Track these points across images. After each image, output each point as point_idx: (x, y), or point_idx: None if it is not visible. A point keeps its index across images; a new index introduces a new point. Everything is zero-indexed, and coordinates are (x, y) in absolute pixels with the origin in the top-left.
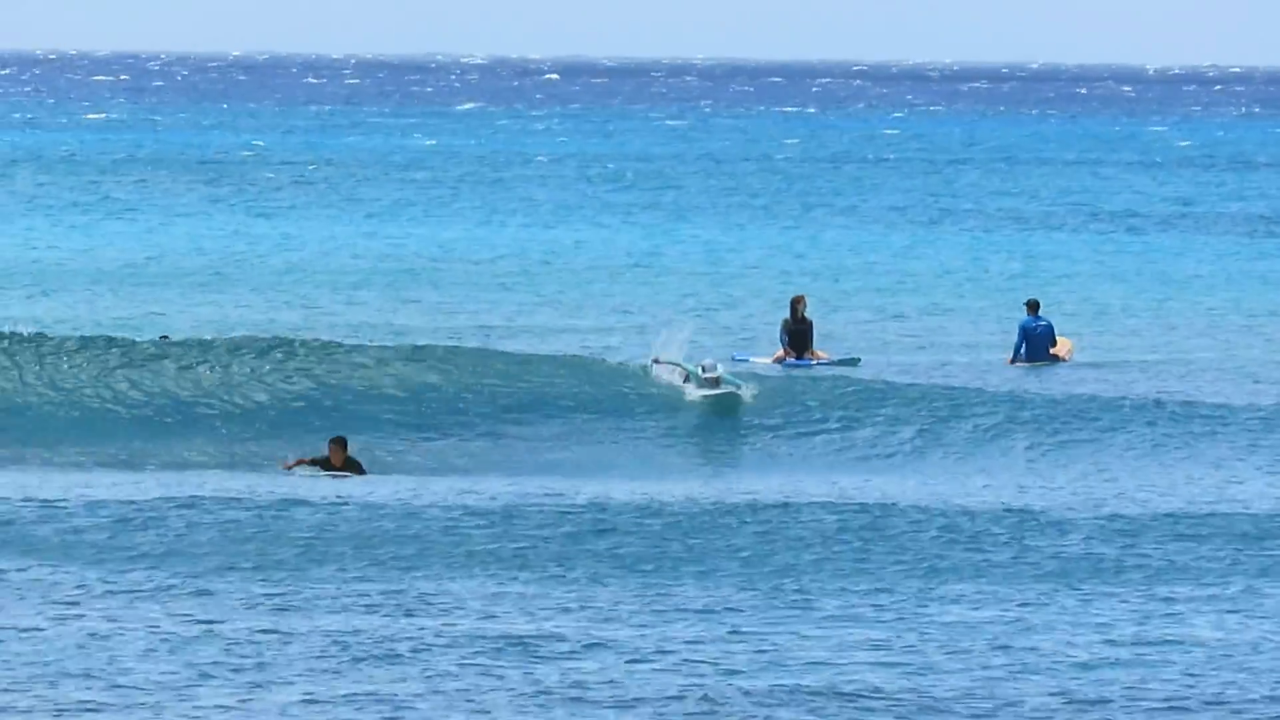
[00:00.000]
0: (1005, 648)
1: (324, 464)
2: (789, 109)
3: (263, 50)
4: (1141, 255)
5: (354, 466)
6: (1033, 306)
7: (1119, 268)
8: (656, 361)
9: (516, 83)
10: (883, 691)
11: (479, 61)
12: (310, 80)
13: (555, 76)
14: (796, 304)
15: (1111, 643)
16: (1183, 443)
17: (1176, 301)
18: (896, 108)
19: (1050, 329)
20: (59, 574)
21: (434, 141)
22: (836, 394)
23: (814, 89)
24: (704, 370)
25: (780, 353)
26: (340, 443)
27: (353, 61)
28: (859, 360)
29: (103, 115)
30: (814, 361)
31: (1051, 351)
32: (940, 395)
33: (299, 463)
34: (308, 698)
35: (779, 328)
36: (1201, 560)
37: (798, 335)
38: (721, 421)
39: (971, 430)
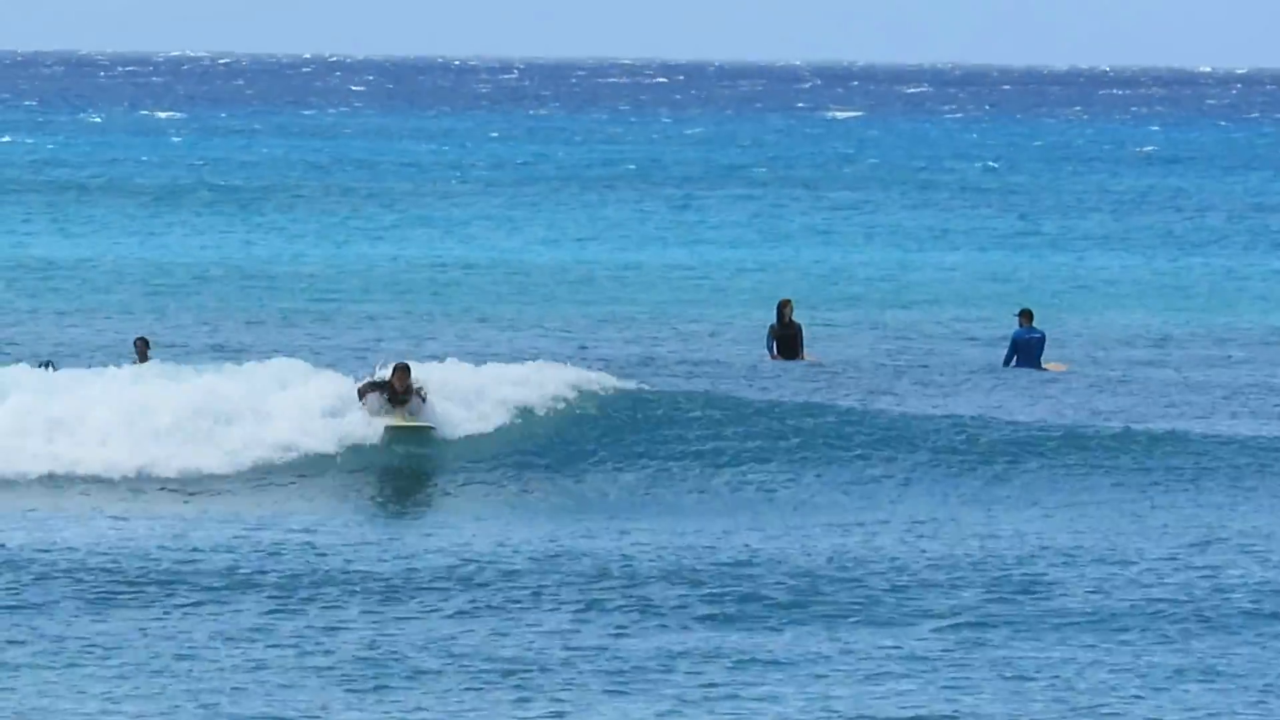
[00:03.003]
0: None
1: (390, 389)
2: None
3: (239, 52)
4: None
5: (418, 393)
6: (1026, 316)
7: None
8: None
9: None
10: None
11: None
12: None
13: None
14: (784, 308)
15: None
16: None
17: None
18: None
19: (1042, 339)
20: None
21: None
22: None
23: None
24: None
25: (767, 359)
26: (404, 369)
27: (438, 62)
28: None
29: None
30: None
31: (1044, 365)
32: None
33: (367, 385)
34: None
35: (766, 333)
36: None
37: (785, 340)
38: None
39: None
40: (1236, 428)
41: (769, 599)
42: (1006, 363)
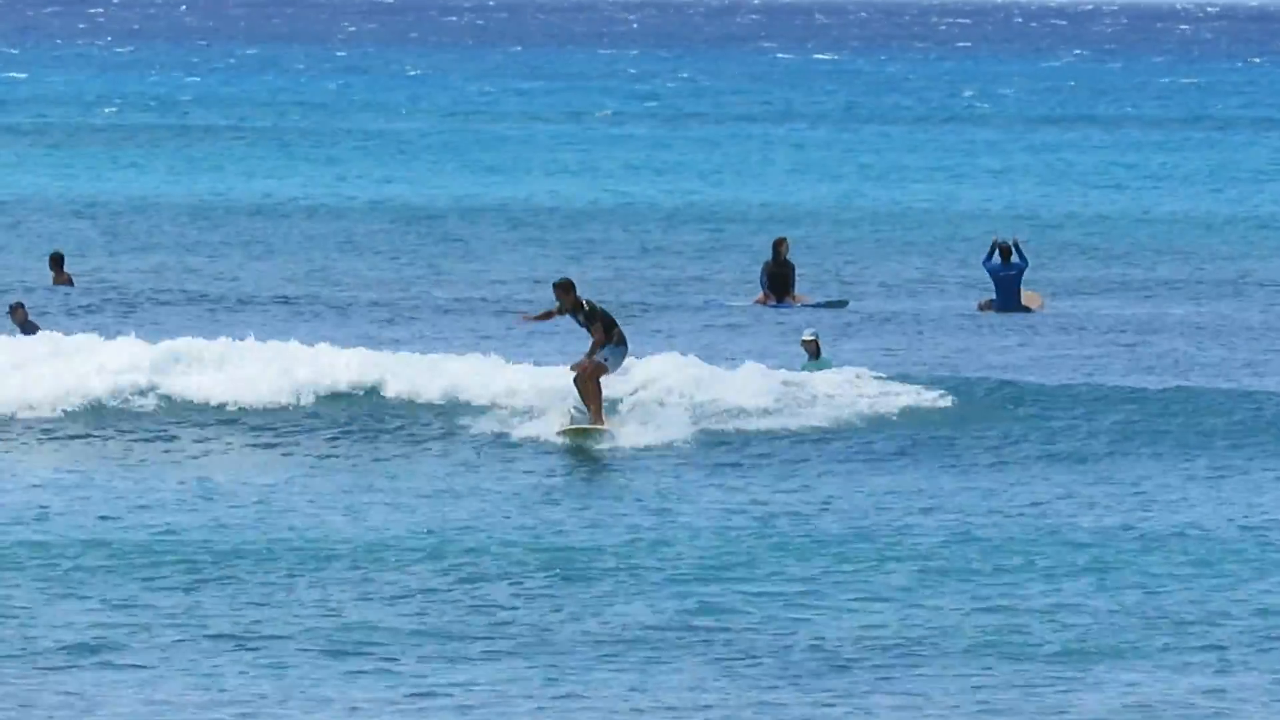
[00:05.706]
0: None
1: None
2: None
3: None
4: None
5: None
6: (1005, 251)
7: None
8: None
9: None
10: None
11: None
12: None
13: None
14: (778, 246)
15: None
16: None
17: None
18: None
19: (1019, 274)
20: None
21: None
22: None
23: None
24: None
25: (760, 296)
26: (561, 285)
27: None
28: (847, 303)
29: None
30: (796, 306)
31: (1023, 301)
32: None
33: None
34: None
35: (760, 270)
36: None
37: (779, 278)
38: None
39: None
40: None
41: None
42: (987, 257)
